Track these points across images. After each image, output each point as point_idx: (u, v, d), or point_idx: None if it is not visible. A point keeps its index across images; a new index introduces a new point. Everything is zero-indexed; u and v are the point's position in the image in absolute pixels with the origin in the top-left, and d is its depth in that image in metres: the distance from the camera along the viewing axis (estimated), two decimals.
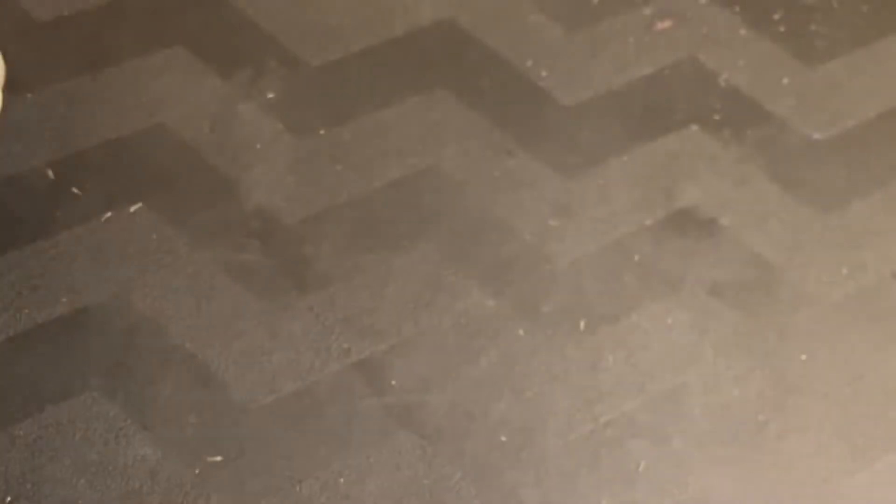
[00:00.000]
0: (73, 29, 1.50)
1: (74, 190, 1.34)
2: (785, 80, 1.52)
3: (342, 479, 1.14)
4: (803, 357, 1.26)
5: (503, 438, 1.18)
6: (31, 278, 1.26)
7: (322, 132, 1.42)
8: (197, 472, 1.13)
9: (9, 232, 1.29)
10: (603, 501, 1.14)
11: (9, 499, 1.11)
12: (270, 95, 1.45)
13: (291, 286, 1.27)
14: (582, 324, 1.27)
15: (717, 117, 1.47)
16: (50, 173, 1.35)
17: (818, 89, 1.51)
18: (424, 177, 1.39)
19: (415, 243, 1.32)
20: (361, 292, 1.27)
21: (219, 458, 1.14)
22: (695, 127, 1.46)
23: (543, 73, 1.51)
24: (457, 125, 1.44)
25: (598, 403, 1.21)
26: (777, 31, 1.57)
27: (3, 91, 1.39)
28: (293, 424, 1.17)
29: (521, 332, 1.25)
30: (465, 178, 1.39)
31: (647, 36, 1.56)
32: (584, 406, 1.20)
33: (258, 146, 1.40)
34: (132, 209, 1.33)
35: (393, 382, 1.21)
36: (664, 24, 1.58)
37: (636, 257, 1.33)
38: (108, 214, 1.32)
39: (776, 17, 1.59)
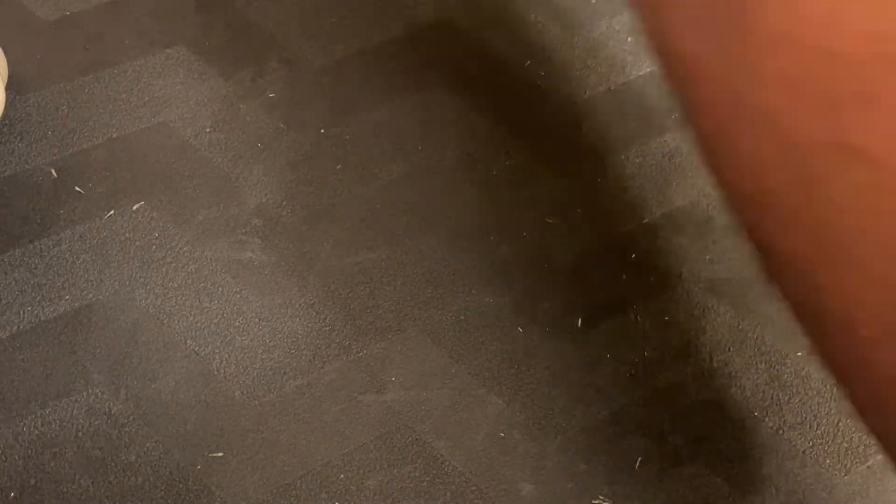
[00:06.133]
0: (76, 29, 1.50)
1: (77, 188, 1.35)
2: None
3: (342, 476, 1.15)
4: (799, 354, 1.27)
5: (501, 434, 1.19)
6: (34, 276, 1.26)
7: (322, 131, 1.43)
8: (199, 467, 1.14)
9: (12, 230, 1.30)
10: (600, 496, 1.15)
11: (12, 494, 1.11)
12: (271, 95, 1.46)
13: (292, 284, 1.28)
14: (579, 321, 1.28)
15: None
16: (53, 172, 1.36)
17: None
18: (423, 175, 1.40)
19: (414, 241, 1.33)
20: (361, 290, 1.28)
21: (220, 454, 1.15)
22: None
23: (541, 73, 1.52)
24: (455, 124, 1.45)
25: (595, 400, 1.22)
26: None
27: (6, 90, 1.40)
28: (294, 420, 1.18)
29: (519, 329, 1.26)
30: (463, 176, 1.40)
31: (644, 36, 1.57)
32: (582, 402, 1.21)
33: (259, 145, 1.41)
34: (134, 207, 1.34)
35: (392, 379, 1.21)
36: None
37: (633, 255, 1.34)
38: (111, 213, 1.33)
39: None
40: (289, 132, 1.44)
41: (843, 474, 1.20)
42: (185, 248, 1.32)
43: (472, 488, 1.16)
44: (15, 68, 1.43)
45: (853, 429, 1.22)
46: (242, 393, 1.21)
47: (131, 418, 1.17)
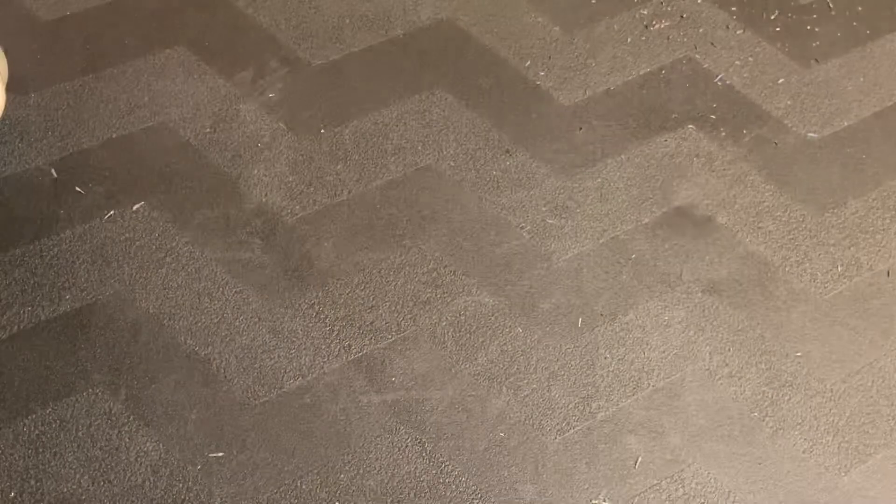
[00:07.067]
0: (76, 29, 1.50)
1: (77, 189, 1.34)
2: (781, 80, 1.52)
3: (342, 475, 1.15)
4: (798, 354, 1.27)
5: (501, 434, 1.18)
6: (34, 276, 1.26)
7: (322, 131, 1.43)
8: (199, 467, 1.14)
9: (12, 230, 1.30)
10: (600, 496, 1.15)
11: (12, 494, 1.11)
12: (271, 95, 1.45)
13: (292, 284, 1.28)
14: (580, 321, 1.28)
15: (713, 117, 1.48)
16: (53, 172, 1.36)
17: (814, 89, 1.52)
18: (423, 176, 1.39)
19: (414, 242, 1.33)
20: (361, 290, 1.28)
21: (220, 454, 1.15)
22: (691, 126, 1.47)
23: (541, 73, 1.52)
24: (456, 125, 1.45)
25: (595, 400, 1.21)
26: (773, 32, 1.58)
27: (7, 91, 1.40)
28: (294, 420, 1.18)
29: (519, 329, 1.26)
30: (463, 177, 1.40)
31: (644, 36, 1.57)
32: (582, 402, 1.21)
33: (259, 145, 1.41)
34: (134, 208, 1.33)
35: (393, 379, 1.21)
36: (661, 25, 1.58)
37: (633, 255, 1.34)
38: (111, 213, 1.33)
39: (772, 17, 1.60)
40: (289, 132, 1.44)
41: (843, 474, 1.20)
42: (184, 249, 1.32)
43: (472, 488, 1.16)
44: (15, 68, 1.43)
45: (853, 429, 1.23)
46: (242, 393, 1.21)
47: (131, 418, 1.18)
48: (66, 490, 1.12)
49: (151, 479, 1.13)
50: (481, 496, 1.14)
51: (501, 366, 1.23)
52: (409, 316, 1.26)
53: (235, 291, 1.27)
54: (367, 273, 1.30)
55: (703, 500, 1.16)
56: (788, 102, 1.50)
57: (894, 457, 1.21)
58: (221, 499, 1.12)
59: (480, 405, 1.20)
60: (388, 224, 1.34)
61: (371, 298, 1.27)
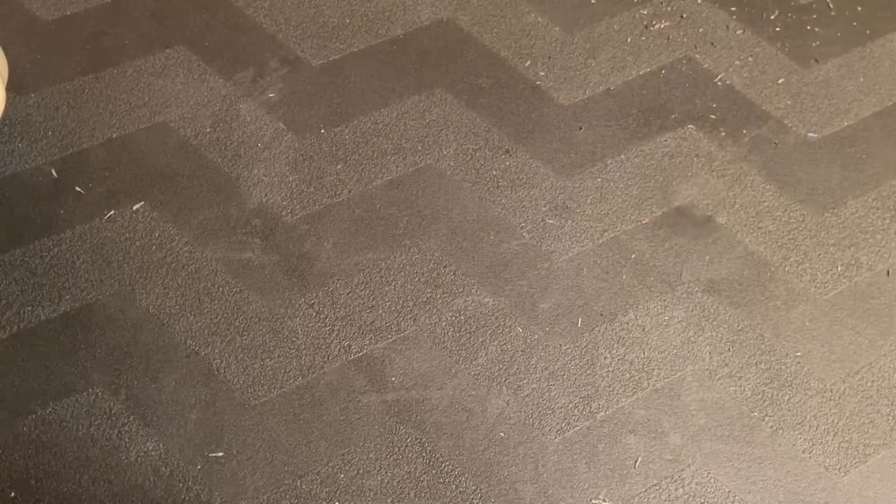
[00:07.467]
0: (76, 29, 1.50)
1: (77, 188, 1.35)
2: (780, 80, 1.52)
3: (342, 475, 1.15)
4: (798, 354, 1.27)
5: (501, 434, 1.19)
6: (34, 276, 1.26)
7: (322, 131, 1.43)
8: (199, 467, 1.14)
9: (13, 230, 1.30)
10: (600, 496, 1.15)
11: (13, 494, 1.12)
12: (271, 95, 1.46)
13: (292, 284, 1.28)
14: (579, 321, 1.28)
15: (713, 117, 1.48)
16: (53, 172, 1.36)
17: (813, 89, 1.52)
18: (423, 175, 1.40)
19: (414, 241, 1.33)
20: (361, 290, 1.28)
21: (220, 454, 1.15)
22: (691, 126, 1.47)
23: (541, 73, 1.52)
24: (456, 124, 1.45)
25: (595, 399, 1.22)
26: (773, 32, 1.58)
27: (7, 90, 1.40)
28: (294, 420, 1.18)
29: (519, 329, 1.26)
30: (463, 176, 1.40)
31: (644, 36, 1.57)
32: (582, 402, 1.21)
33: (259, 145, 1.41)
34: (134, 207, 1.34)
35: (393, 379, 1.21)
36: (661, 25, 1.58)
37: (633, 255, 1.34)
38: (111, 213, 1.33)
39: (772, 17, 1.60)
40: (289, 132, 1.44)
41: (843, 474, 1.20)
42: (185, 248, 1.32)
43: (472, 488, 1.16)
44: (15, 68, 1.43)
45: (853, 429, 1.23)
46: (242, 393, 1.21)
47: (131, 418, 1.18)
48: (66, 490, 1.12)
49: (151, 478, 1.13)
50: (481, 496, 1.15)
51: (501, 366, 1.23)
52: (409, 316, 1.27)
53: (235, 291, 1.27)
54: (367, 273, 1.30)
55: (703, 500, 1.16)
56: (788, 102, 1.50)
57: (894, 457, 1.21)
58: (221, 499, 1.12)
59: (480, 405, 1.20)
60: (388, 224, 1.34)
61: (371, 298, 1.28)
